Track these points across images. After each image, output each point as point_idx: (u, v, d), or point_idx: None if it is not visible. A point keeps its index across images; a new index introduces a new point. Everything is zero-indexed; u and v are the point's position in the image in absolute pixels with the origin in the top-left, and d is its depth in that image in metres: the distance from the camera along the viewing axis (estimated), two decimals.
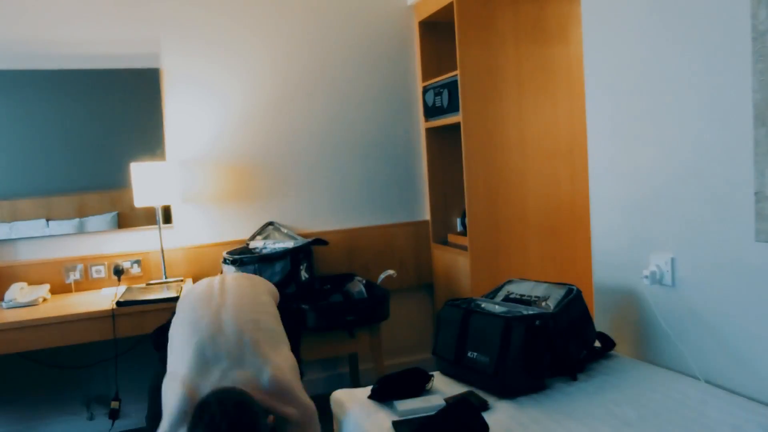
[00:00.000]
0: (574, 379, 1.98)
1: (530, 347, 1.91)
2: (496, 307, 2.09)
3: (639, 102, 2.14)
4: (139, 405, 3.28)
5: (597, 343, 2.23)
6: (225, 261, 3.01)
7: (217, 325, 1.77)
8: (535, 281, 2.27)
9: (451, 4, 3.21)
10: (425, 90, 3.59)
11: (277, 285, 2.99)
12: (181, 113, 3.30)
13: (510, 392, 1.88)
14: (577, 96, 3.36)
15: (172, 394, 1.63)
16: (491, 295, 2.31)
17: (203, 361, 1.68)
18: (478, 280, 3.21)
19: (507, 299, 2.23)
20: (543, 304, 2.12)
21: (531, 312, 2.00)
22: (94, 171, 3.15)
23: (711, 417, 1.66)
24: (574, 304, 2.09)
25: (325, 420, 2.17)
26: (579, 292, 2.12)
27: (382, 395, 1.91)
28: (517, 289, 2.27)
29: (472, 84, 3.19)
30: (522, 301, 2.18)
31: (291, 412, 1.66)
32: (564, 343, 2.00)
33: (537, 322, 1.93)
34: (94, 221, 3.16)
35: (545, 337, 1.95)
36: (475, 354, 1.97)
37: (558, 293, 2.13)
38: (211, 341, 1.71)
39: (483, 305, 2.15)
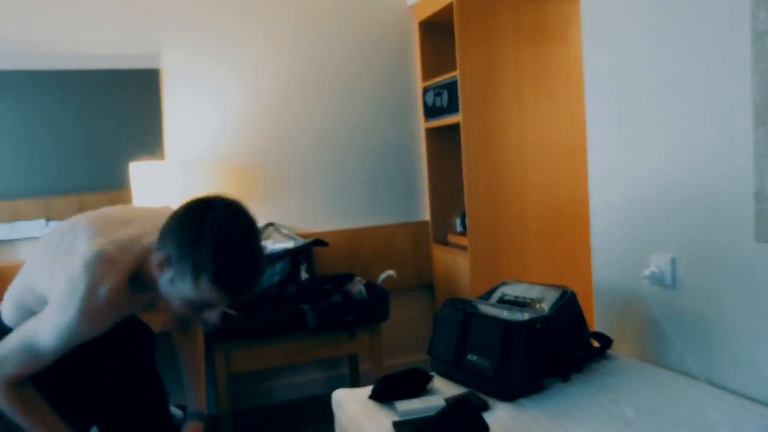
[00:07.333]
0: (566, 379, 1.98)
1: (531, 351, 1.91)
2: (495, 309, 2.09)
3: (639, 102, 2.14)
4: None
5: (596, 343, 2.23)
6: None
7: None
8: (530, 283, 2.26)
9: (451, 5, 3.20)
10: (425, 90, 3.59)
11: (277, 285, 3.01)
12: (181, 113, 3.30)
13: (509, 396, 1.88)
14: (577, 96, 3.35)
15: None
16: (486, 297, 2.30)
17: None
18: (477, 280, 3.21)
19: (501, 301, 2.22)
20: (538, 306, 2.11)
21: (532, 316, 1.99)
22: (94, 171, 3.15)
23: (711, 417, 1.66)
24: (569, 306, 2.08)
25: (325, 420, 2.17)
26: (573, 294, 2.11)
27: (383, 395, 1.91)
28: (512, 290, 2.26)
29: (472, 84, 3.19)
30: (517, 303, 2.17)
31: None
32: (559, 344, 2.00)
33: (538, 326, 1.93)
34: None
35: (545, 341, 1.95)
36: (475, 357, 1.96)
37: (553, 295, 2.12)
38: None
39: (481, 307, 2.14)
